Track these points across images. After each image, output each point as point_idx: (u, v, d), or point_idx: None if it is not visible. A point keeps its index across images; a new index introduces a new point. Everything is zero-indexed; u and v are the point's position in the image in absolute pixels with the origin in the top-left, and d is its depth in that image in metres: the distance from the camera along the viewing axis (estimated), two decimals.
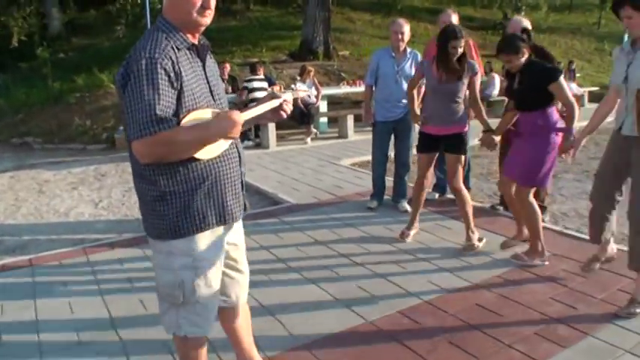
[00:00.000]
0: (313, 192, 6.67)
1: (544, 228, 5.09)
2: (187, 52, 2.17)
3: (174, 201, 2.16)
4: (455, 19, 5.73)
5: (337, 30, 19.60)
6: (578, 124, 4.12)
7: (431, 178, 4.83)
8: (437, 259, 4.50)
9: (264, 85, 10.18)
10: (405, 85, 5.61)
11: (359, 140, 10.37)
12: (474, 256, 4.51)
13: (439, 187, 6.22)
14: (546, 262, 4.31)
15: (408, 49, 5.81)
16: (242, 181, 2.39)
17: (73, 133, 11.67)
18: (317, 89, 10.60)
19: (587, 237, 4.79)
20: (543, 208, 5.56)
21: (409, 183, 6.04)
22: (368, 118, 6.06)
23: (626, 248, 4.32)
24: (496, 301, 3.74)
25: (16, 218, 6.31)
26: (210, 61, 2.36)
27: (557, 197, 6.63)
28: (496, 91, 14.01)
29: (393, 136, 5.93)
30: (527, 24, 5.08)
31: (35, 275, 4.39)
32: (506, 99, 5.01)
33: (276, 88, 11.28)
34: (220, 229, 2.33)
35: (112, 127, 11.47)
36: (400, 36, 5.64)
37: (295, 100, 10.14)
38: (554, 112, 4.22)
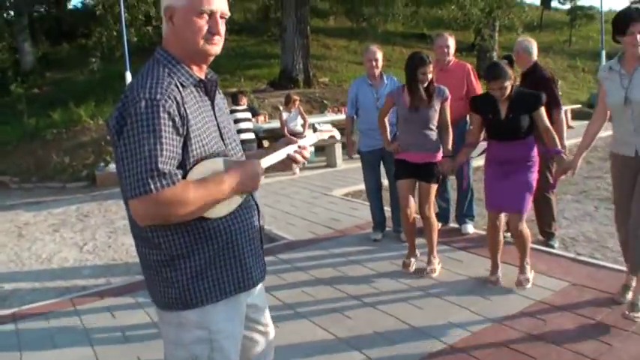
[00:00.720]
0: (309, 226, 6.39)
1: (556, 255, 4.93)
2: (194, 89, 1.88)
3: (184, 266, 1.85)
4: (452, 42, 5.58)
5: (314, 57, 19.51)
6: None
7: (414, 205, 4.76)
8: (451, 294, 4.25)
9: (248, 115, 9.91)
10: None
11: (348, 169, 10.14)
12: (489, 291, 4.27)
13: (442, 216, 6.01)
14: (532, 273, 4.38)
15: (385, 75, 5.72)
16: (261, 237, 2.10)
17: (51, 170, 11.27)
18: (303, 118, 10.37)
19: (605, 264, 4.66)
20: (551, 235, 5.37)
21: None
22: (351, 151, 5.97)
23: None
24: (525, 340, 3.49)
25: None
26: (219, 97, 2.06)
27: (562, 221, 6.44)
28: None
29: (382, 164, 5.75)
30: (531, 44, 4.96)
31: (19, 330, 4.06)
32: None
33: (260, 119, 11.07)
34: (239, 297, 2.00)
35: (92, 164, 11.09)
36: (374, 63, 5.55)
37: (282, 131, 9.99)
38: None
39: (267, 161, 1.97)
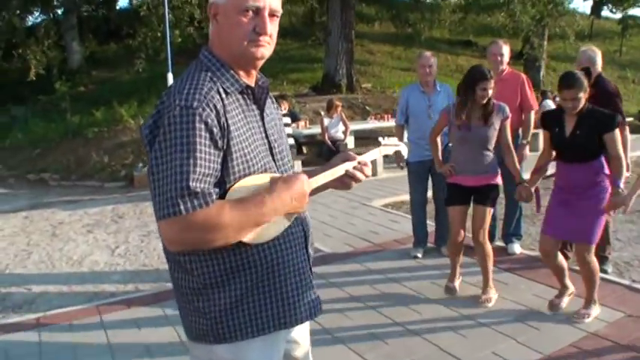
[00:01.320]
0: (346, 238, 6.11)
1: (609, 281, 4.58)
2: (240, 97, 1.65)
3: (217, 296, 1.63)
4: (506, 50, 5.26)
5: (358, 62, 19.26)
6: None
7: (464, 234, 4.41)
8: (498, 323, 3.91)
9: (288, 120, 9.71)
10: None
11: (389, 178, 9.79)
12: (539, 321, 3.93)
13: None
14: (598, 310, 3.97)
15: (438, 83, 5.43)
16: (310, 268, 1.82)
17: (90, 169, 11.27)
18: (345, 125, 10.12)
19: None
20: (604, 259, 4.98)
21: None
22: (399, 161, 5.57)
23: None
24: None
25: (26, 266, 5.82)
26: (272, 107, 1.83)
27: (615, 243, 6.01)
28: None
29: (430, 176, 5.46)
30: (596, 54, 4.61)
31: (42, 337, 3.94)
32: None
33: (301, 124, 10.85)
34: (279, 335, 1.75)
35: (131, 164, 11.04)
36: (428, 69, 5.28)
37: (322, 137, 9.77)
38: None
39: (319, 179, 1.74)
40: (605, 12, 34.79)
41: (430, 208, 5.70)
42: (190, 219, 1.44)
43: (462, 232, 4.38)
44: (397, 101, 5.73)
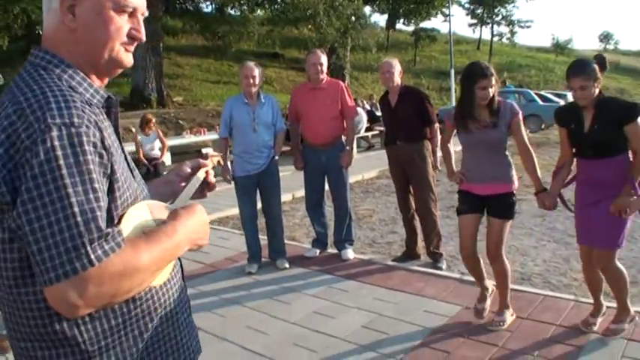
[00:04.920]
0: None
1: (442, 277, 4.76)
2: (97, 111, 1.25)
3: None
4: (325, 59, 5.29)
5: (167, 76, 18.67)
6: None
7: (474, 246, 3.90)
8: (346, 334, 3.83)
9: None
10: (264, 133, 5.11)
11: (211, 193, 9.46)
12: (386, 325, 3.92)
13: (319, 242, 5.64)
14: (637, 318, 3.63)
15: (262, 94, 5.28)
16: (189, 305, 1.55)
17: None
18: (162, 142, 9.56)
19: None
20: (439, 255, 5.22)
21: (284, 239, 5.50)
22: (226, 175, 5.31)
23: (551, 293, 4.09)
24: None
25: None
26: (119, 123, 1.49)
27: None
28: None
29: (257, 189, 5.30)
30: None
31: None
32: None
33: None
34: None
35: None
36: (252, 80, 5.09)
37: (138, 156, 9.13)
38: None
39: (184, 198, 1.47)
40: (399, 25, 37.80)
41: (262, 220, 5.53)
42: (105, 269, 1.09)
43: (472, 244, 3.87)
44: (210, 114, 5.44)
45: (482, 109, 3.69)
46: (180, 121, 14.35)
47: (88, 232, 1.08)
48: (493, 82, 3.62)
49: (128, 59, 1.34)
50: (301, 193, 6.81)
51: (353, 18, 17.05)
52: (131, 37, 1.32)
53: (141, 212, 1.28)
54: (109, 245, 1.10)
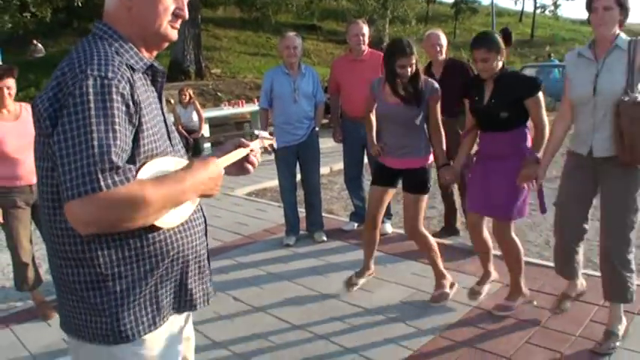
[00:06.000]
0: (214, 232, 5.73)
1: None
2: (142, 76, 1.54)
3: (117, 287, 1.47)
4: (367, 30, 5.20)
5: (205, 48, 18.71)
6: None
7: (380, 219, 4.06)
8: (385, 308, 3.82)
9: None
10: (305, 104, 5.08)
11: None
12: (424, 300, 3.89)
13: (357, 215, 5.61)
14: (534, 302, 3.73)
15: (303, 65, 5.24)
16: (208, 255, 1.74)
17: None
18: (199, 115, 9.60)
19: (533, 260, 4.46)
20: (456, 231, 5.09)
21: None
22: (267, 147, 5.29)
23: (591, 272, 3.99)
24: (472, 355, 3.14)
25: None
26: (163, 92, 1.71)
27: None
28: None
29: (297, 161, 5.29)
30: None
31: None
32: None
33: None
34: (178, 320, 1.68)
35: None
36: (293, 50, 5.06)
37: (177, 128, 9.22)
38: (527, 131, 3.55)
39: (224, 161, 1.66)
40: None
41: (300, 193, 5.52)
42: (112, 195, 1.31)
43: (377, 216, 4.00)
44: (248, 86, 5.42)
45: (403, 85, 3.70)
46: (219, 93, 14.38)
47: (101, 163, 1.30)
48: (413, 60, 3.63)
49: (174, 34, 1.61)
50: (339, 166, 6.76)
51: None
52: (176, 15, 1.57)
53: (165, 163, 1.49)
54: (119, 178, 1.32)
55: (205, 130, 10.28)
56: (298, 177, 5.42)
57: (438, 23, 32.58)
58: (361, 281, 4.17)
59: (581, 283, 3.65)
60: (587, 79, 3.09)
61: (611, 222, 3.12)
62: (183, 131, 9.17)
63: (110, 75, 1.37)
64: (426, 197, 3.87)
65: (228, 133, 11.14)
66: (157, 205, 1.38)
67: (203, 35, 19.37)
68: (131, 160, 1.40)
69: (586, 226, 3.38)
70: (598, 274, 4.10)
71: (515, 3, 47.63)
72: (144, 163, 1.44)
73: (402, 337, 3.40)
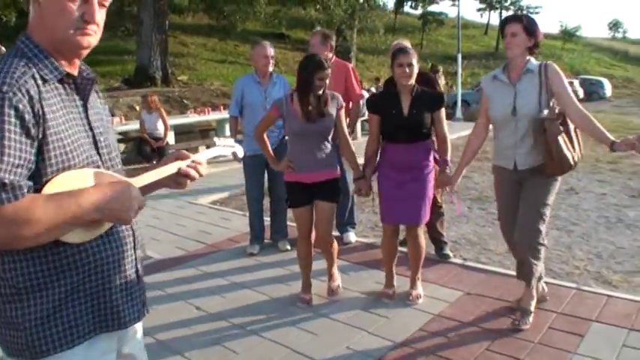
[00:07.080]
0: (177, 241, 5.67)
1: (444, 262, 4.75)
2: (59, 85, 1.51)
3: (33, 302, 1.46)
4: (333, 39, 5.21)
5: (171, 54, 18.56)
6: None
7: (313, 234, 4.11)
8: (347, 316, 3.82)
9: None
10: None
11: (214, 173, 9.37)
12: (386, 308, 3.91)
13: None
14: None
15: (275, 74, 5.24)
16: (137, 270, 1.71)
17: None
18: (164, 122, 9.51)
19: (494, 269, 4.53)
20: (444, 243, 5.11)
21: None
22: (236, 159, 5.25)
23: (550, 280, 4.11)
24: None
25: None
26: (98, 101, 1.70)
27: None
28: None
29: (265, 169, 5.26)
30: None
31: None
32: None
33: (116, 120, 10.10)
34: (103, 340, 1.62)
35: None
36: (270, 60, 5.05)
37: (142, 134, 9.12)
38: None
39: (144, 179, 1.59)
40: (407, 8, 37.52)
41: (265, 201, 5.51)
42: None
43: (312, 232, 4.07)
44: (215, 93, 5.40)
45: (315, 99, 3.78)
46: (185, 100, 14.26)
47: None
48: (329, 73, 3.76)
49: (83, 41, 1.52)
50: None
51: None
52: (85, 21, 1.49)
53: (78, 177, 1.45)
54: (6, 195, 1.30)
55: (170, 138, 10.18)
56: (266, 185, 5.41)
57: (405, 34, 32.98)
58: (310, 297, 4.15)
59: (542, 287, 3.77)
60: (506, 101, 3.46)
61: (528, 215, 3.46)
62: (148, 138, 9.07)
63: (5, 88, 1.36)
64: (334, 205, 4.01)
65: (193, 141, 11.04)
66: (47, 223, 1.35)
67: (170, 42, 19.21)
68: (37, 173, 1.40)
69: None
70: (557, 282, 4.23)
71: (481, 16, 48.33)
72: (57, 173, 1.43)
73: (366, 346, 3.40)
